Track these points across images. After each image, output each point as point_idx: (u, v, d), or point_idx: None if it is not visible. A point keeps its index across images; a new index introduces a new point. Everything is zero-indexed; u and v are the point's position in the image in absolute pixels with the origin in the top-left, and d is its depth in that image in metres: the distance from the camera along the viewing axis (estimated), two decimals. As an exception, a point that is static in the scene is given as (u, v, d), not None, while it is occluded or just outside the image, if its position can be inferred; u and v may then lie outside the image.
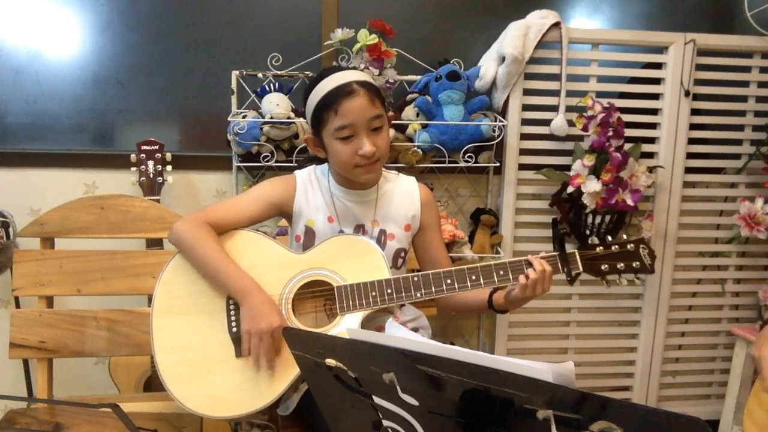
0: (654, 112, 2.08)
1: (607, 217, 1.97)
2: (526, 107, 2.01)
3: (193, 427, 1.37)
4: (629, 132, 1.94)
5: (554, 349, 2.20)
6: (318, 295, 1.24)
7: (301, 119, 1.83)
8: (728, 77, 2.06)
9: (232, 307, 1.20)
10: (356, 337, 0.71)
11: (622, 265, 1.22)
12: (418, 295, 1.19)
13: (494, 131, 1.92)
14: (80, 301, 1.60)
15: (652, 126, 2.08)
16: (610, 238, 1.24)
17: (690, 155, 2.09)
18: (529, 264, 1.19)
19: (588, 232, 1.98)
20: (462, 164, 1.94)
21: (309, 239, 1.29)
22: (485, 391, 0.58)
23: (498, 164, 2.01)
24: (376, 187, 1.32)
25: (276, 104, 1.82)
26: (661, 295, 2.15)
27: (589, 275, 1.23)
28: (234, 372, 1.16)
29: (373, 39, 1.85)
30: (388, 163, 1.87)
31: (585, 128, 1.89)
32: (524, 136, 2.03)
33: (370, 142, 1.19)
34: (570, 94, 1.97)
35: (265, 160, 1.86)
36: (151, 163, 1.85)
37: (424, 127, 1.90)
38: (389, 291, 1.19)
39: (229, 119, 1.85)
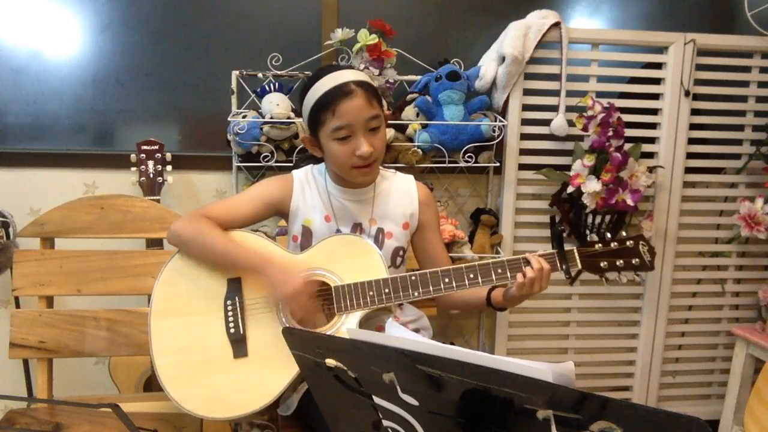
0: (654, 112, 2.08)
1: (607, 217, 1.97)
2: (526, 107, 2.01)
3: (193, 427, 1.37)
4: (629, 132, 1.94)
5: (554, 349, 2.20)
6: (316, 295, 1.24)
7: (301, 119, 1.83)
8: (728, 77, 2.06)
9: (229, 308, 1.20)
10: (356, 337, 0.71)
11: (621, 262, 1.21)
12: (416, 294, 1.19)
13: (494, 131, 1.92)
14: (80, 301, 1.60)
15: (652, 126, 2.08)
16: (609, 235, 1.23)
17: (690, 155, 2.09)
18: (527, 262, 1.19)
19: (588, 232, 1.98)
20: (462, 164, 1.94)
21: (306, 239, 1.29)
22: (485, 391, 0.58)
23: (498, 164, 2.01)
24: (373, 185, 1.32)
25: (276, 104, 1.82)
26: (661, 295, 2.15)
27: (589, 274, 1.23)
28: (232, 373, 1.16)
29: (373, 39, 1.85)
30: (389, 164, 1.88)
31: (585, 128, 1.89)
32: (524, 136, 2.03)
33: (368, 142, 1.19)
34: (570, 94, 1.97)
35: (265, 160, 1.86)
36: (151, 163, 1.85)
37: (424, 127, 1.90)
38: (387, 290, 1.19)
39: (229, 119, 1.85)
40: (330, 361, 0.74)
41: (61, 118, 1.99)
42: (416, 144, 1.89)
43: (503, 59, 1.92)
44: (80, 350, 1.44)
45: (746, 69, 2.07)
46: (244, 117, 1.85)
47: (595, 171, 1.88)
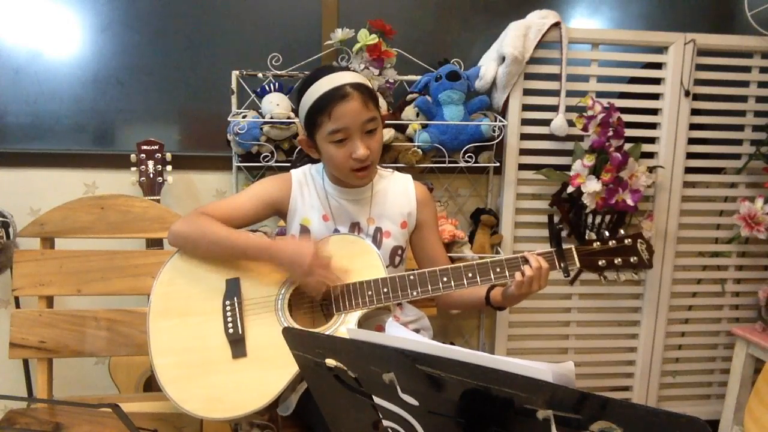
0: (654, 112, 2.08)
1: (607, 217, 1.97)
2: (526, 107, 2.01)
3: (193, 427, 1.37)
4: (629, 132, 1.94)
5: (554, 349, 2.20)
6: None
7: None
8: (728, 77, 2.06)
9: (228, 308, 1.20)
10: (356, 337, 0.71)
11: (619, 260, 1.21)
12: (415, 293, 1.19)
13: (494, 131, 1.92)
14: (80, 301, 1.60)
15: (652, 126, 2.08)
16: (607, 234, 1.23)
17: (690, 155, 2.09)
18: (526, 261, 1.19)
19: (588, 232, 1.98)
20: (462, 164, 1.94)
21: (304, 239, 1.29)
22: (485, 391, 0.58)
23: (498, 164, 2.01)
24: (371, 184, 1.32)
25: (276, 104, 1.82)
26: (661, 295, 2.15)
27: (588, 274, 1.23)
28: (231, 373, 1.16)
29: (373, 39, 1.85)
30: (388, 164, 1.88)
31: (585, 128, 1.89)
32: (524, 136, 2.03)
33: (364, 145, 1.19)
34: (570, 94, 1.97)
35: (265, 160, 1.86)
36: (151, 163, 1.85)
37: (424, 127, 1.90)
38: (385, 290, 1.19)
39: (229, 119, 1.85)
40: (330, 361, 0.74)
41: (61, 118, 1.99)
42: (416, 144, 1.89)
43: (503, 59, 1.92)
44: (80, 350, 1.44)
45: (746, 69, 2.07)
46: (244, 117, 1.85)
47: (595, 171, 1.88)
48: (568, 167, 1.97)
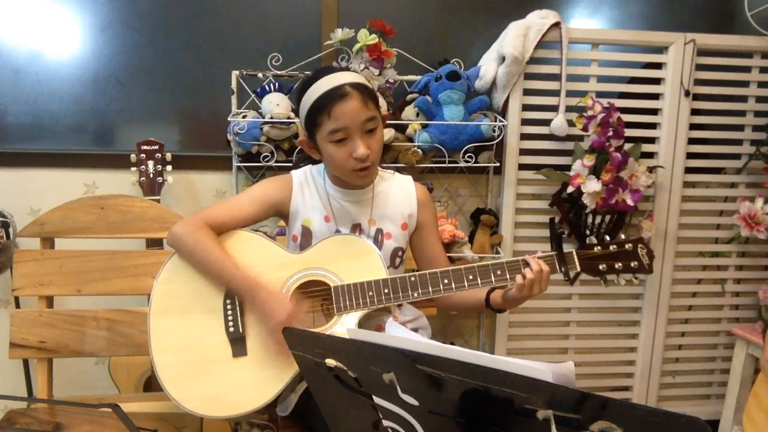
0: (654, 112, 2.08)
1: (607, 217, 1.97)
2: (526, 107, 2.01)
3: (193, 427, 1.37)
4: (629, 132, 1.94)
5: (554, 349, 2.20)
6: (315, 295, 1.24)
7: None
8: (728, 77, 2.06)
9: (229, 307, 1.20)
10: (356, 337, 0.71)
11: (620, 265, 1.21)
12: (416, 295, 1.20)
13: (494, 131, 1.92)
14: (80, 301, 1.60)
15: (652, 126, 2.08)
16: (608, 238, 1.24)
17: (690, 155, 2.09)
18: (527, 264, 1.19)
19: (588, 232, 1.98)
20: (462, 164, 1.94)
21: (306, 239, 1.29)
22: (485, 391, 0.58)
23: (498, 164, 2.01)
24: (372, 186, 1.32)
25: (276, 104, 1.82)
26: (661, 295, 2.15)
27: (588, 275, 1.23)
28: (232, 372, 1.16)
29: (373, 39, 1.85)
30: (388, 164, 1.88)
31: (585, 128, 1.89)
32: (524, 136, 2.03)
33: (364, 144, 1.19)
34: (570, 94, 1.97)
35: (265, 160, 1.86)
36: (151, 163, 1.85)
37: (424, 127, 1.90)
38: (386, 291, 1.19)
39: (229, 119, 1.85)
40: (330, 361, 0.74)
41: (61, 118, 1.99)
42: (416, 144, 1.89)
43: (503, 59, 1.92)
44: (80, 350, 1.44)
45: (746, 69, 2.07)
46: (244, 117, 1.85)
47: (595, 171, 1.88)
48: (568, 167, 1.97)
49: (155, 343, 1.18)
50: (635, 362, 2.22)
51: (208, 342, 1.18)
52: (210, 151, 2.04)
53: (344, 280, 1.20)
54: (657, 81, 2.06)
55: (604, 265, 1.21)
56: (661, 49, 2.04)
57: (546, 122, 2.00)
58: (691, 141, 2.08)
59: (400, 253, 1.33)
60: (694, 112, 2.07)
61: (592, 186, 1.86)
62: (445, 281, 1.20)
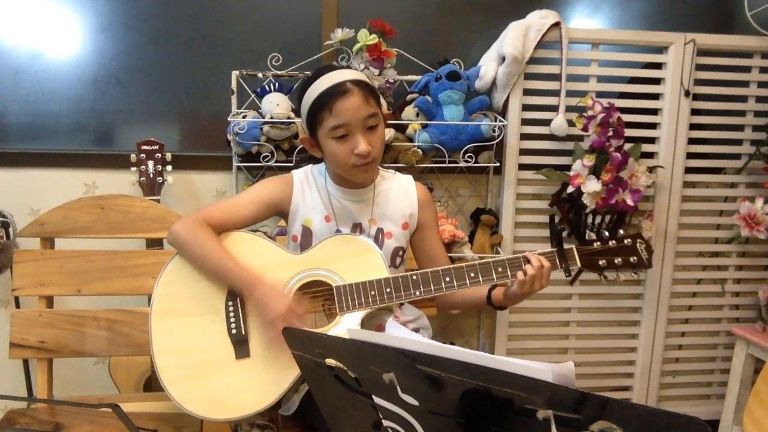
0: (654, 112, 2.08)
1: (607, 217, 1.97)
2: (526, 107, 2.01)
3: (194, 427, 1.37)
4: (629, 132, 1.94)
5: (554, 349, 2.20)
6: (317, 295, 1.24)
7: (300, 119, 1.83)
8: (728, 77, 2.06)
9: (231, 308, 1.20)
10: (356, 337, 0.71)
11: (619, 260, 1.22)
12: (417, 293, 1.20)
13: (494, 131, 1.92)
14: (80, 301, 1.60)
15: (652, 126, 2.08)
16: (607, 234, 1.24)
17: (690, 155, 2.09)
18: (527, 260, 1.20)
19: (588, 232, 1.98)
20: (462, 164, 1.94)
21: (306, 239, 1.29)
22: (485, 391, 0.58)
23: (498, 164, 2.01)
24: (372, 185, 1.32)
25: (276, 104, 1.82)
26: (661, 295, 2.15)
27: (589, 274, 1.23)
28: (234, 374, 1.16)
29: (373, 39, 1.85)
30: (389, 164, 1.88)
31: (585, 128, 1.89)
32: (524, 136, 2.03)
33: (366, 141, 1.19)
34: (570, 94, 1.97)
35: (265, 160, 1.86)
36: (151, 163, 1.85)
37: (424, 127, 1.90)
38: (388, 290, 1.19)
39: (229, 119, 1.85)
40: (330, 361, 0.74)
41: (61, 118, 1.99)
42: (416, 144, 1.89)
43: (503, 59, 1.92)
44: (80, 350, 1.44)
45: (746, 69, 2.07)
46: (244, 117, 1.85)
47: (595, 171, 1.88)
48: (568, 167, 1.97)
49: (157, 346, 1.18)
50: (635, 362, 2.22)
51: (210, 344, 1.18)
52: (210, 151, 2.04)
53: (346, 280, 1.20)
54: (657, 81, 2.06)
55: (604, 261, 1.22)
56: (661, 49, 2.04)
57: (546, 122, 2.00)
58: (691, 141, 2.08)
59: (400, 253, 1.33)
60: (694, 112, 2.07)
61: (592, 186, 1.86)
62: (447, 279, 1.20)
